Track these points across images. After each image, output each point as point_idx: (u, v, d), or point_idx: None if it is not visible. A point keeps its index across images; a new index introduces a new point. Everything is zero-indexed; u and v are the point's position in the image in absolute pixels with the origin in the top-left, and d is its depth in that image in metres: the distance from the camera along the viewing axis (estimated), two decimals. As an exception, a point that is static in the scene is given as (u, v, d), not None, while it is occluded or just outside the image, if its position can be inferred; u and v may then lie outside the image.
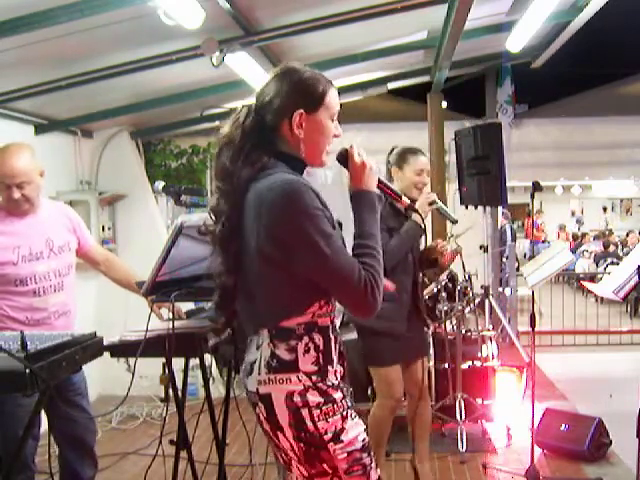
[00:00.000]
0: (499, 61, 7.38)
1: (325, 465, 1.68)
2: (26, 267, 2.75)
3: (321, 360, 1.71)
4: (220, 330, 1.84)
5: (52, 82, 4.17)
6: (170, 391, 2.63)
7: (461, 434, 4.19)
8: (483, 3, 4.47)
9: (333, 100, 1.81)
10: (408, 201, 1.96)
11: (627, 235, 15.12)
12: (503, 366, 4.72)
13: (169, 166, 6.78)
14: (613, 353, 7.18)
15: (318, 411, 1.67)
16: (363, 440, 1.72)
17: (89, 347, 1.91)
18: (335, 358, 1.76)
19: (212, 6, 3.41)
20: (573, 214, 21.96)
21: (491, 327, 5.53)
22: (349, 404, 1.74)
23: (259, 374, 1.72)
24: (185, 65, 4.24)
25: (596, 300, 9.37)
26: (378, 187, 1.86)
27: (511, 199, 5.50)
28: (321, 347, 1.72)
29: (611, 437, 4.06)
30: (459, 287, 4.49)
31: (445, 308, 4.43)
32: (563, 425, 4.09)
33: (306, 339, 1.70)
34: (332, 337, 1.76)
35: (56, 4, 3.12)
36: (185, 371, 2.80)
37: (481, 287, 5.43)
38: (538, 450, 4.02)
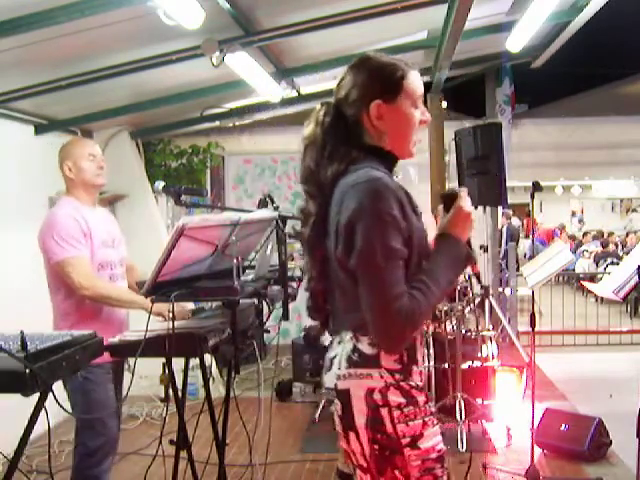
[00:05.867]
0: (499, 61, 7.36)
1: (397, 472, 1.58)
2: (105, 253, 2.90)
3: (405, 358, 1.60)
4: (320, 331, 1.79)
5: (52, 82, 4.17)
6: (170, 391, 2.63)
7: (461, 434, 4.18)
8: (483, 3, 4.47)
9: (414, 85, 1.69)
10: (479, 269, 1.87)
11: (627, 236, 15.13)
12: (503, 366, 4.73)
13: (169, 166, 6.78)
14: (613, 353, 7.17)
15: (399, 412, 1.56)
16: (439, 450, 1.61)
17: (89, 347, 1.90)
18: (420, 359, 1.65)
19: (212, 6, 3.41)
20: (573, 214, 21.97)
21: (491, 327, 5.52)
22: (432, 410, 1.62)
23: (339, 368, 1.62)
24: (185, 65, 4.24)
25: (596, 300, 9.37)
26: None
27: (511, 199, 5.50)
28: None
29: (611, 437, 4.06)
30: (459, 287, 4.49)
31: (445, 308, 4.44)
32: (563, 425, 4.09)
33: None
34: (417, 336, 1.65)
35: (56, 4, 3.12)
36: (185, 371, 2.81)
37: (481, 287, 5.43)
38: (538, 450, 4.02)
